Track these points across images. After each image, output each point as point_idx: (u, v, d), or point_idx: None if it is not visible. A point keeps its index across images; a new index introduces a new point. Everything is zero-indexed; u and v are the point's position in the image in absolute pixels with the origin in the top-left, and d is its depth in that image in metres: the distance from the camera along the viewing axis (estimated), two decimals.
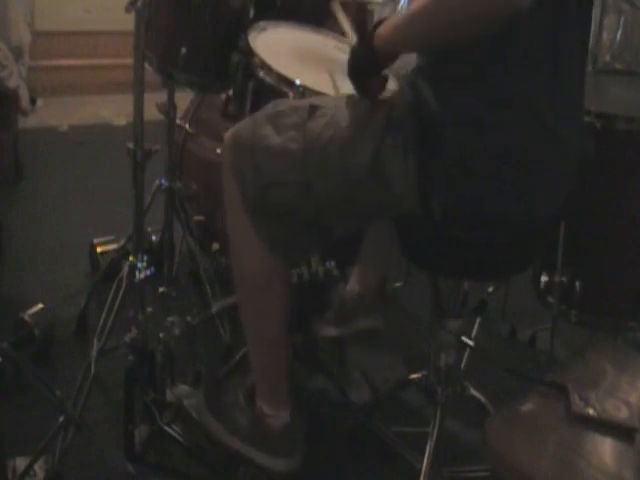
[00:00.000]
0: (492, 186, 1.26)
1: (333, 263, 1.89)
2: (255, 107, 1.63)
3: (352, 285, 1.84)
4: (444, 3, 1.15)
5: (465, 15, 1.13)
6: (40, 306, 2.09)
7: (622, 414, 1.24)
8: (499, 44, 1.21)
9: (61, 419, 1.66)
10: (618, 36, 2.58)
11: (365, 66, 1.32)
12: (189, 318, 1.86)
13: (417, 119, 1.26)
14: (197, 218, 2.25)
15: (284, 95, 1.56)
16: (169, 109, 2.00)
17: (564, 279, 1.85)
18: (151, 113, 1.82)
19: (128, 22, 1.61)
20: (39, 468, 1.60)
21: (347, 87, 1.43)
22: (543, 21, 1.22)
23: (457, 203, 1.27)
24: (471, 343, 1.99)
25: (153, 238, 2.39)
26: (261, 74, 1.62)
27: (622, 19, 2.58)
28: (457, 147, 1.23)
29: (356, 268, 1.84)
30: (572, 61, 1.29)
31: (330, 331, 1.83)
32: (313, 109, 1.41)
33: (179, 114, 2.14)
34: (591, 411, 1.24)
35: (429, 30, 1.21)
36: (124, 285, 1.87)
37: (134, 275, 1.69)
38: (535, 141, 1.27)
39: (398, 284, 2.11)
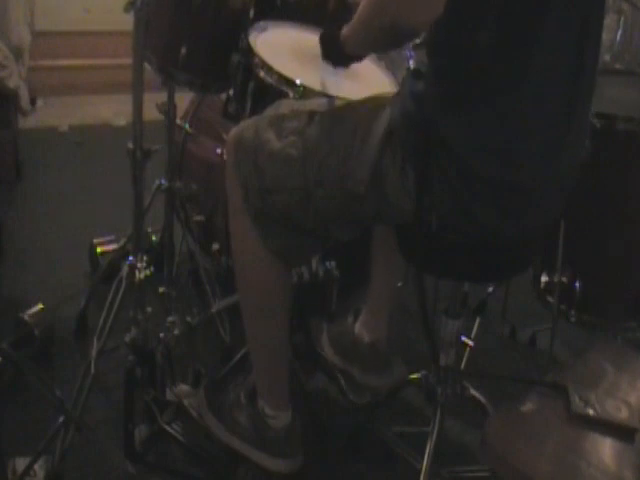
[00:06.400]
0: (493, 201, 1.25)
1: (333, 263, 1.89)
2: (255, 107, 1.63)
3: (361, 330, 1.80)
4: (361, 14, 1.26)
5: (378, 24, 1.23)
6: (40, 306, 2.09)
7: (622, 414, 1.24)
8: (514, 59, 1.19)
9: (61, 419, 1.66)
10: (618, 36, 2.58)
11: (335, 58, 1.44)
12: (189, 318, 1.86)
13: (418, 132, 1.24)
14: (197, 218, 2.25)
15: (284, 95, 1.56)
16: (169, 109, 1.99)
17: (564, 279, 1.85)
18: (151, 113, 1.82)
19: (128, 22, 1.61)
20: (39, 468, 1.60)
21: (347, 88, 1.43)
22: (565, 34, 1.20)
23: (455, 216, 1.27)
24: (471, 343, 1.99)
25: (153, 238, 2.39)
26: (261, 74, 1.61)
27: (622, 19, 2.58)
28: (460, 163, 1.22)
29: (365, 312, 1.81)
30: (590, 71, 1.27)
31: (330, 353, 1.83)
32: (312, 115, 1.41)
33: (179, 114, 2.13)
34: (591, 411, 1.24)
35: (363, 37, 1.31)
36: (124, 285, 1.87)
37: (134, 275, 1.69)
38: (541, 160, 1.26)
39: (398, 284, 2.11)
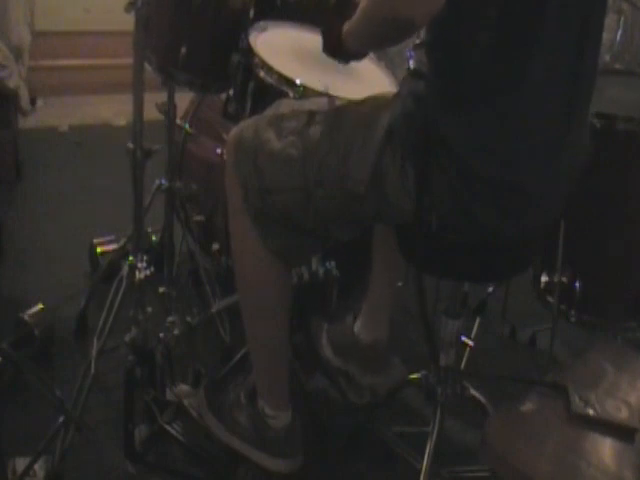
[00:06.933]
0: (493, 201, 1.25)
1: (333, 263, 1.89)
2: (255, 107, 1.63)
3: (361, 330, 1.79)
4: (363, 9, 1.23)
5: (375, 20, 1.21)
6: (40, 306, 2.09)
7: (622, 414, 1.24)
8: (514, 59, 1.19)
9: (61, 419, 1.66)
10: (618, 36, 2.58)
11: (335, 52, 1.40)
12: (189, 318, 1.86)
13: (418, 132, 1.24)
14: (197, 218, 2.25)
15: (284, 95, 1.56)
16: (169, 109, 1.99)
17: (564, 279, 1.85)
18: (151, 113, 1.82)
19: (128, 22, 1.61)
20: (39, 468, 1.60)
21: (347, 88, 1.43)
22: (565, 34, 1.20)
23: (455, 216, 1.27)
24: (471, 343, 1.99)
25: (153, 238, 2.39)
26: (261, 74, 1.62)
27: (622, 19, 2.58)
28: (460, 163, 1.22)
29: (365, 312, 1.80)
30: (590, 71, 1.27)
31: (330, 353, 1.82)
32: (312, 115, 1.41)
33: (179, 114, 2.13)
34: (591, 411, 1.24)
35: (364, 32, 1.28)
36: (124, 285, 1.87)
37: (134, 275, 1.69)
38: (541, 160, 1.26)
39: (398, 284, 2.11)
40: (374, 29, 1.24)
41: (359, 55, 1.41)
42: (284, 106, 1.47)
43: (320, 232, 1.45)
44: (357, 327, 1.80)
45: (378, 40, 1.31)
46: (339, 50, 1.37)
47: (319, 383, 1.94)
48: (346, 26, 1.32)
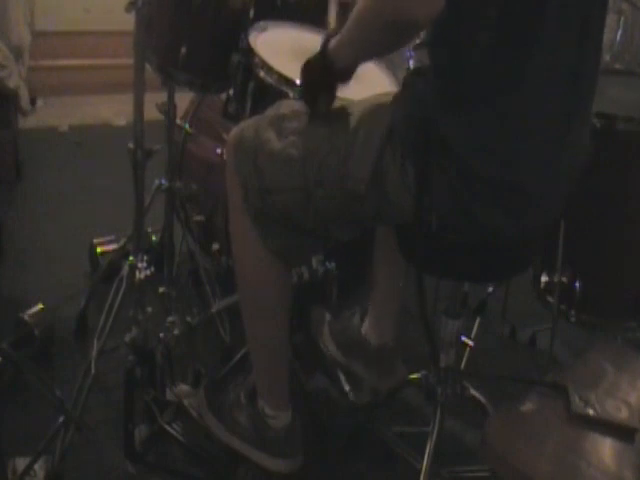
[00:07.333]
0: (493, 201, 1.25)
1: (333, 263, 1.89)
2: (255, 107, 1.63)
3: (368, 332, 1.78)
4: (359, 15, 1.20)
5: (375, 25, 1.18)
6: (40, 306, 2.09)
7: (622, 414, 1.24)
8: (514, 59, 1.19)
9: (61, 419, 1.66)
10: (618, 36, 2.59)
11: (319, 79, 1.34)
12: (189, 318, 1.86)
13: (418, 132, 1.23)
14: (197, 218, 2.25)
15: (284, 95, 1.56)
16: (169, 109, 1.99)
17: (564, 279, 1.85)
18: (151, 113, 1.82)
19: (128, 22, 1.62)
20: (39, 468, 1.60)
21: (348, 88, 1.42)
22: (565, 34, 1.20)
23: (455, 216, 1.27)
24: (471, 343, 1.99)
25: (153, 238, 2.39)
26: (261, 74, 1.62)
27: (622, 19, 2.58)
28: (460, 163, 1.22)
29: (372, 314, 1.79)
30: (591, 71, 1.27)
31: (332, 347, 1.82)
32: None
33: (179, 114, 2.13)
34: (591, 411, 1.24)
35: (361, 40, 1.25)
36: (124, 285, 1.87)
37: (134, 275, 1.69)
38: (541, 160, 1.26)
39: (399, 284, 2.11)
40: (372, 35, 1.21)
41: (349, 72, 1.34)
42: (285, 106, 1.47)
43: (320, 232, 1.45)
44: (365, 329, 1.79)
45: (377, 47, 1.28)
46: (329, 70, 1.31)
47: (319, 383, 1.94)
48: (333, 42, 1.28)
